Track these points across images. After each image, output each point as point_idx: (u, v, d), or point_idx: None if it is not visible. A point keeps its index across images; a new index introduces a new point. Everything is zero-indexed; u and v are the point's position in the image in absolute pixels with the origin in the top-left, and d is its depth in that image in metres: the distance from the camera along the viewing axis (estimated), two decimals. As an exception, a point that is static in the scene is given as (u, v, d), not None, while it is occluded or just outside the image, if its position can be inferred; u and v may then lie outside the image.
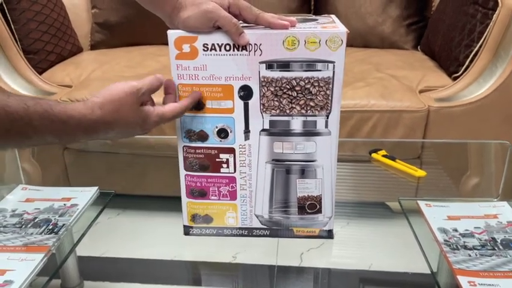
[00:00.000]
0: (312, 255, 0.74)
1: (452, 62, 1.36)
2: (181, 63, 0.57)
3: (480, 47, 1.27)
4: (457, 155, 1.03)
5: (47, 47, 1.50)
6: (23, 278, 0.57)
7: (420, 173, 0.86)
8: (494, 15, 1.24)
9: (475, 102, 1.24)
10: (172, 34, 0.56)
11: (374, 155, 0.93)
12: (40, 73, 1.44)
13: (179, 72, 0.58)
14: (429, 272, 0.61)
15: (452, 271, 0.57)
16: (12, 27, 1.41)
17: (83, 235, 0.68)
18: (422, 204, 0.73)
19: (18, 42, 1.42)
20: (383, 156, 0.92)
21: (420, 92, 1.32)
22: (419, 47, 1.67)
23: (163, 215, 0.95)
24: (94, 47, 1.75)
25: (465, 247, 0.62)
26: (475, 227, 0.66)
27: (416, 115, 1.22)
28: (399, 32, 1.66)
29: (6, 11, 1.40)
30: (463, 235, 0.64)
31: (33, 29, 1.46)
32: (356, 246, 0.75)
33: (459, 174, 0.95)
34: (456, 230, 0.66)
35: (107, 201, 0.77)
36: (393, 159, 0.90)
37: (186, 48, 0.56)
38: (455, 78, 1.33)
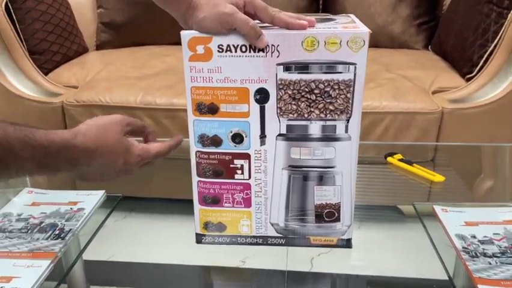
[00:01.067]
0: (323, 260, 0.72)
1: (465, 63, 1.34)
2: (195, 65, 0.55)
3: (495, 46, 1.25)
4: (470, 158, 1.01)
5: (52, 47, 1.49)
6: (29, 286, 0.56)
7: (439, 178, 0.84)
8: (510, 15, 1.22)
9: (490, 103, 1.23)
10: (186, 35, 0.54)
11: (389, 158, 0.90)
12: (46, 74, 1.44)
13: (192, 74, 0.55)
14: (442, 278, 0.60)
15: (472, 280, 0.55)
16: (18, 27, 1.40)
17: (90, 240, 0.67)
18: (438, 209, 0.71)
19: (24, 43, 1.42)
20: (399, 160, 0.89)
21: (433, 93, 1.30)
22: (429, 47, 1.65)
23: (171, 218, 0.94)
24: (99, 47, 1.75)
25: (484, 254, 0.60)
26: (493, 233, 0.65)
27: (430, 117, 1.21)
28: (409, 31, 1.65)
29: (12, 10, 1.39)
30: (482, 242, 0.63)
31: (38, 29, 1.45)
32: (367, 251, 0.74)
33: (473, 178, 0.94)
34: (474, 237, 0.64)
35: (115, 205, 0.76)
36: (410, 163, 0.88)
37: (200, 49, 0.54)
38: (468, 79, 1.31)
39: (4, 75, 1.34)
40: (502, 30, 1.24)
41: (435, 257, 0.63)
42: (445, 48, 1.49)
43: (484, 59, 1.28)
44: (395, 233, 0.84)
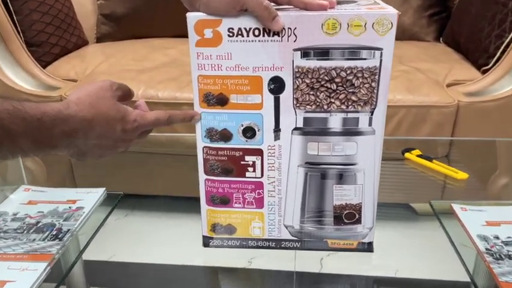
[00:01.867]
0: (333, 260, 0.69)
1: (481, 54, 1.30)
2: (202, 51, 0.50)
3: (513, 37, 1.20)
4: (486, 154, 0.98)
5: (51, 39, 1.46)
6: (24, 291, 0.53)
7: (462, 175, 0.79)
8: (529, 4, 1.17)
9: (508, 96, 1.18)
10: (193, 17, 0.49)
11: (407, 154, 0.86)
12: (44, 66, 1.41)
13: (199, 61, 0.51)
14: (462, 279, 0.58)
15: (498, 284, 0.53)
16: (15, 18, 1.38)
17: (90, 240, 0.65)
18: (457, 208, 0.69)
19: (21, 34, 1.39)
20: (418, 156, 0.84)
21: (448, 85, 1.27)
22: (441, 38, 1.62)
23: (175, 217, 0.92)
24: (99, 39, 1.73)
25: (509, 257, 0.58)
26: None
27: (445, 111, 1.17)
28: (420, 23, 1.62)
29: (8, 1, 1.36)
30: (506, 243, 0.60)
31: (36, 20, 1.42)
32: (380, 251, 0.70)
33: (488, 174, 0.91)
34: (497, 238, 0.62)
35: (116, 203, 0.74)
36: (429, 159, 0.83)
37: (208, 33, 0.49)
38: (484, 71, 1.27)
39: (0, 68, 1.32)
40: (521, 20, 1.19)
41: (452, 257, 0.60)
42: (458, 40, 1.45)
43: (501, 50, 1.24)
44: (408, 232, 0.83)
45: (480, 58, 1.30)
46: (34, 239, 0.62)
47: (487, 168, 0.92)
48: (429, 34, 1.61)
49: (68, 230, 0.65)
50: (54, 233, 0.64)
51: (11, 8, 1.35)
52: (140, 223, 0.99)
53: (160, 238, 0.89)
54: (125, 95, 0.56)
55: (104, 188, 0.75)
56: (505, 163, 0.98)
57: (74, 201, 0.72)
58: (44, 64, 1.42)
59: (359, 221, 0.58)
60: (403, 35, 1.59)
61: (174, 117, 0.55)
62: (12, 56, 1.34)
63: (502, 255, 0.58)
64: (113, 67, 1.37)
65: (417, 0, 1.58)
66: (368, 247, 0.60)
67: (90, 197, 0.73)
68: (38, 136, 0.46)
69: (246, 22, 0.49)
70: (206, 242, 0.61)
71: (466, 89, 1.23)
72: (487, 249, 0.59)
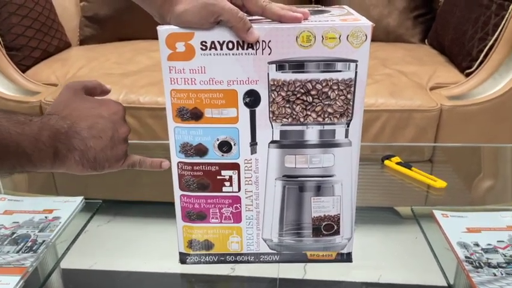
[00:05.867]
0: (316, 266, 0.68)
1: (464, 57, 1.30)
2: (175, 65, 0.49)
3: (495, 40, 1.22)
4: (469, 157, 0.98)
5: (31, 43, 1.45)
6: (-5, 306, 0.53)
7: (441, 183, 0.79)
8: (511, 6, 1.17)
9: (490, 100, 1.19)
10: (164, 31, 0.48)
11: (386, 162, 0.85)
12: (24, 71, 1.40)
13: (172, 75, 0.49)
14: (442, 284, 0.57)
15: None
16: None
17: (67, 249, 0.64)
18: (438, 214, 0.69)
19: (0, 38, 1.36)
20: (397, 163, 0.84)
21: (431, 89, 1.27)
22: (426, 40, 1.62)
23: (158, 222, 0.90)
24: (83, 42, 1.71)
25: (489, 265, 0.57)
26: (497, 241, 0.62)
27: (428, 115, 1.17)
28: (405, 24, 1.62)
29: None
30: (486, 250, 0.60)
31: (15, 24, 1.40)
32: (363, 256, 0.70)
33: (471, 178, 0.91)
34: (477, 245, 0.61)
35: (94, 212, 0.73)
36: (408, 167, 0.83)
37: (181, 47, 0.48)
38: (468, 74, 1.28)
39: (-22, 73, 1.30)
40: (503, 22, 1.19)
41: (434, 262, 0.61)
42: (443, 42, 1.45)
43: (484, 53, 1.24)
44: (392, 236, 0.81)
45: (463, 61, 1.30)
46: (8, 251, 0.61)
47: (471, 172, 0.92)
48: (415, 36, 1.61)
49: (44, 241, 0.63)
50: (29, 244, 0.63)
51: (-11, 11, 1.33)
52: (123, 229, 0.97)
53: (143, 244, 0.87)
54: (92, 89, 0.54)
55: (82, 197, 0.74)
56: (488, 167, 0.98)
57: (50, 211, 0.71)
58: (24, 68, 1.40)
59: (337, 232, 0.57)
60: (388, 37, 1.59)
61: (152, 164, 0.55)
62: (-9, 60, 1.31)
63: (482, 263, 0.57)
64: (95, 71, 1.36)
65: (402, 1, 1.58)
66: (347, 257, 0.59)
67: (67, 206, 0.72)
68: (36, 137, 0.44)
69: (219, 35, 0.47)
70: (183, 258, 0.59)
71: (449, 93, 1.23)
72: (466, 257, 0.59)
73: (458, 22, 1.35)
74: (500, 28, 1.20)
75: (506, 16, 1.18)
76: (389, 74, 1.29)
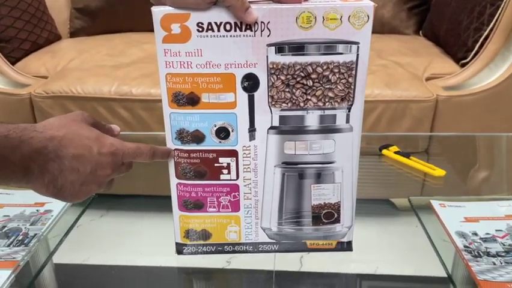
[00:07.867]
0: (313, 258, 0.67)
1: (460, 48, 1.30)
2: (170, 48, 0.47)
3: (491, 30, 1.21)
4: (465, 148, 0.98)
5: (20, 35, 1.42)
6: (-14, 301, 0.52)
7: (440, 172, 0.78)
8: (506, -4, 1.17)
9: (486, 90, 1.19)
10: (158, 12, 0.46)
11: (384, 151, 0.85)
12: (13, 63, 1.37)
13: (167, 59, 0.48)
14: (441, 275, 0.57)
15: (477, 283, 0.52)
16: None
17: (59, 243, 0.63)
18: (435, 204, 0.68)
19: None
20: (395, 153, 0.83)
21: (427, 79, 1.27)
22: (421, 31, 1.62)
23: (152, 216, 0.89)
24: (73, 34, 1.68)
25: (488, 254, 0.57)
26: (496, 230, 0.62)
27: (424, 105, 1.16)
28: (400, 16, 1.62)
29: None
30: (484, 240, 0.60)
31: (4, 15, 1.38)
32: (360, 248, 0.70)
33: (468, 168, 0.90)
34: (476, 234, 0.61)
35: (87, 205, 0.72)
36: (407, 156, 0.82)
37: (176, 28, 0.46)
38: (463, 65, 1.28)
39: (-34, 65, 1.27)
40: (498, 12, 1.19)
41: (432, 252, 0.60)
42: (438, 33, 1.45)
43: (479, 43, 1.23)
44: (389, 228, 0.81)
45: (459, 51, 1.30)
46: (-1, 245, 0.60)
47: (466, 161, 0.92)
48: (409, 27, 1.61)
49: (35, 234, 0.62)
50: (20, 238, 0.62)
51: (-24, 2, 1.31)
52: (116, 224, 0.96)
53: (137, 239, 0.86)
54: (98, 125, 0.51)
55: (76, 190, 0.73)
56: (484, 157, 0.98)
57: (42, 204, 0.69)
58: (14, 60, 1.38)
59: (337, 221, 0.56)
60: (383, 28, 1.59)
61: (157, 151, 0.52)
62: (-21, 52, 1.29)
63: (481, 253, 0.57)
64: (86, 63, 1.33)
65: (396, -7, 1.58)
66: (347, 246, 0.58)
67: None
68: (5, 155, 0.42)
69: (216, 16, 0.46)
70: (179, 249, 0.58)
71: (444, 83, 1.23)
72: (465, 246, 0.58)
73: (453, 12, 1.35)
74: (495, 18, 1.20)
75: (502, 6, 1.18)
76: (384, 65, 1.28)
